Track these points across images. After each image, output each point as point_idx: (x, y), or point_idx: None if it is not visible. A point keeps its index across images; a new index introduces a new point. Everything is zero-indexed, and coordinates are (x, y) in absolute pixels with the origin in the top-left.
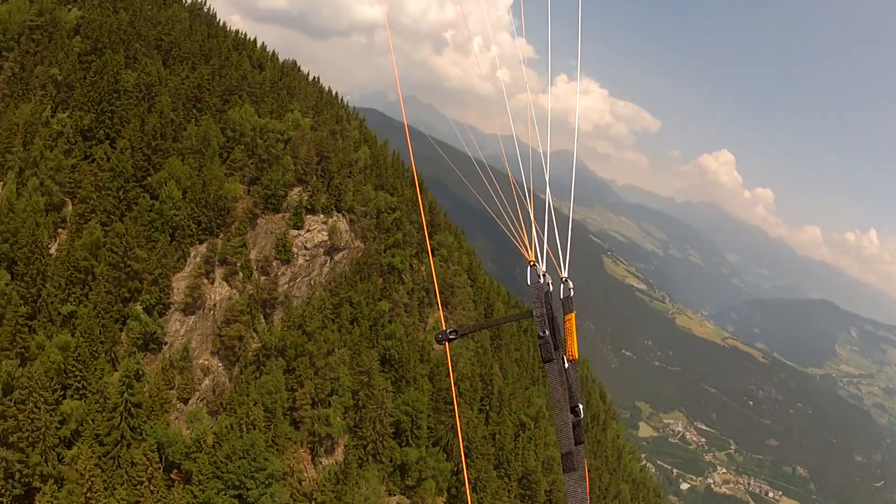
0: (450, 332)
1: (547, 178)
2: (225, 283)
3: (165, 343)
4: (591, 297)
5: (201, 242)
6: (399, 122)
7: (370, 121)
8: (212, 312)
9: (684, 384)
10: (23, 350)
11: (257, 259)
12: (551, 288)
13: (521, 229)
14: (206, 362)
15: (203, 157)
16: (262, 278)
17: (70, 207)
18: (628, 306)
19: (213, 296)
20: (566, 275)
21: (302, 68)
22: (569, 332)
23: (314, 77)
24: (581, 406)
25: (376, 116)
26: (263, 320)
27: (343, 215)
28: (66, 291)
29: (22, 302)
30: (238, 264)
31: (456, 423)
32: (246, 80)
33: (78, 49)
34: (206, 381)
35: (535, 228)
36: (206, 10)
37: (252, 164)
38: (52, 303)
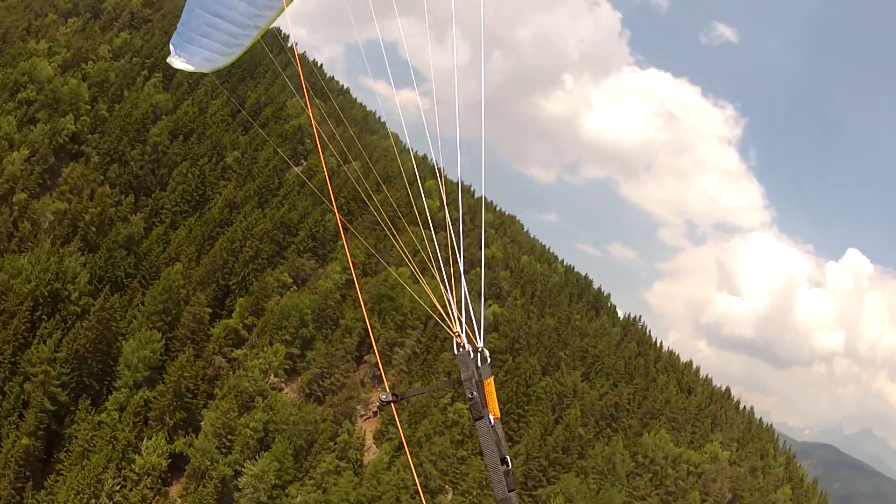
0: (392, 395)
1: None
2: None
3: None
4: None
5: None
6: (853, 458)
7: (820, 456)
8: None
9: None
10: None
11: None
12: (475, 355)
13: (449, 306)
14: None
15: (605, 479)
16: None
17: (449, 496)
18: None
19: None
20: (482, 345)
21: (749, 396)
22: (489, 394)
23: (746, 406)
24: (509, 458)
25: (828, 451)
26: None
27: None
28: None
29: None
30: None
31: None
32: (669, 404)
33: (491, 345)
34: None
35: (454, 305)
36: (639, 327)
37: (657, 495)
38: None
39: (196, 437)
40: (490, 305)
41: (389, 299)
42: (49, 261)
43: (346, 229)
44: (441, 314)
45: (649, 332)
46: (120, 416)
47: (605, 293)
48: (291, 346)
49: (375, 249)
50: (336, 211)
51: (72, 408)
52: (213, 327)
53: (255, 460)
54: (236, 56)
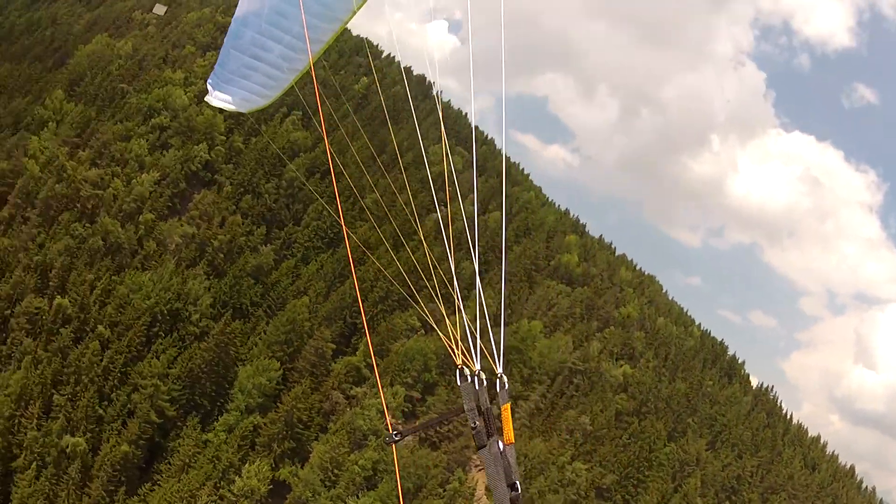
0: (395, 434)
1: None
2: None
3: None
4: None
5: None
6: None
7: None
8: None
9: None
10: None
11: None
12: (483, 384)
13: (453, 336)
14: None
15: None
16: None
17: None
18: None
19: None
20: (500, 371)
21: (875, 474)
22: (505, 420)
23: (869, 486)
24: (518, 482)
25: None
26: None
27: None
28: None
29: None
30: None
31: None
32: (792, 479)
33: (618, 407)
34: None
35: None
36: (771, 397)
37: None
38: None
39: (301, 468)
40: (622, 366)
41: (518, 352)
42: (171, 280)
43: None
44: (449, 344)
45: (781, 402)
46: (226, 438)
47: (740, 360)
48: (412, 390)
49: (509, 301)
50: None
51: (179, 423)
52: (335, 363)
53: (359, 497)
54: (275, 97)
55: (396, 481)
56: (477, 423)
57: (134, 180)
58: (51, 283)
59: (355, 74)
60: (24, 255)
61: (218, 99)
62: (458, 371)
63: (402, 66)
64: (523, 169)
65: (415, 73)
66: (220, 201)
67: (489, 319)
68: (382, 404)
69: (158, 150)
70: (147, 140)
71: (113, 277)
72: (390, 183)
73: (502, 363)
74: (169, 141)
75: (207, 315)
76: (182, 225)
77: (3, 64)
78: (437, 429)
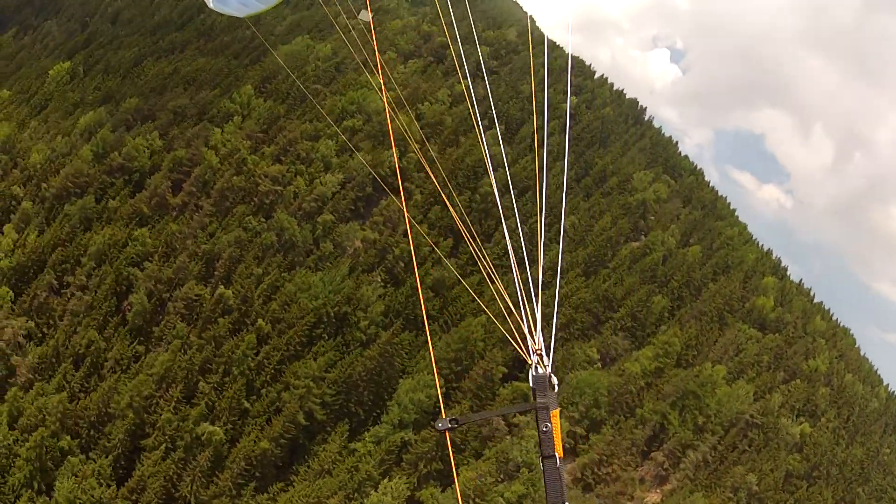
0: (450, 420)
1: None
2: None
3: None
4: None
5: None
6: None
7: None
8: None
9: None
10: None
11: None
12: (556, 384)
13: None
14: None
15: None
16: None
17: None
18: None
19: None
20: (550, 370)
21: None
22: (555, 427)
23: None
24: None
25: None
26: None
27: None
28: None
29: None
30: None
31: None
32: None
33: (789, 467)
34: None
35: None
36: None
37: None
38: None
39: (442, 492)
40: (801, 423)
41: (696, 397)
42: (343, 284)
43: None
44: (515, 335)
45: None
46: (371, 450)
47: None
48: (577, 425)
49: (696, 341)
50: None
51: (328, 428)
52: (504, 387)
53: None
54: (271, 5)
55: (453, 473)
56: (549, 425)
57: (317, 180)
58: (216, 273)
59: (564, 93)
60: (192, 243)
61: (215, 3)
62: (532, 363)
63: (614, 88)
64: (729, 203)
65: (627, 96)
66: (407, 209)
67: None
68: (438, 393)
69: (347, 152)
70: (335, 141)
71: (283, 274)
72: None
73: (552, 360)
74: (360, 144)
75: (377, 323)
76: (364, 229)
77: (199, 59)
78: (596, 469)
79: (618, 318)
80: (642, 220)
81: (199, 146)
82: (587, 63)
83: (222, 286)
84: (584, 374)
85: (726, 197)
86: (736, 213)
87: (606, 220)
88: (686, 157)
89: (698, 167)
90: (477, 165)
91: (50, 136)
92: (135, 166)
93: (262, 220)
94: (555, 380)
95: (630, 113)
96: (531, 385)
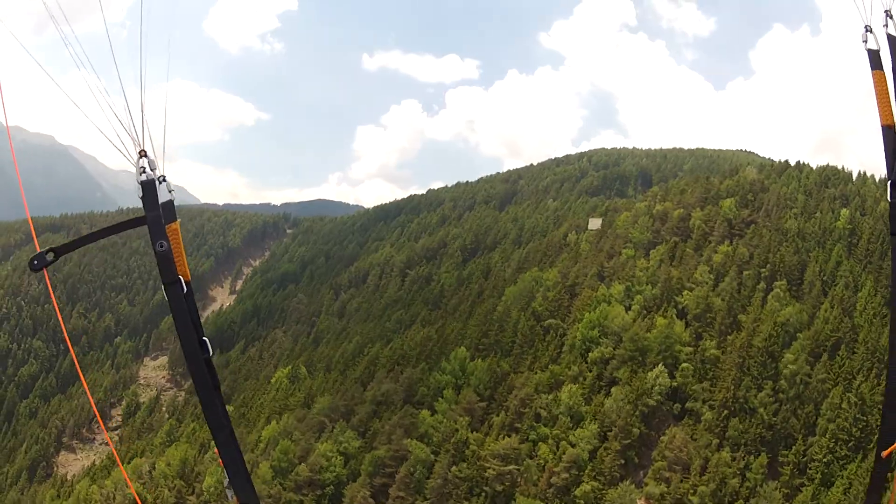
0: (46, 253)
1: None
2: None
3: None
4: None
5: None
6: None
7: None
8: None
9: None
10: None
11: None
12: (173, 193)
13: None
14: None
15: None
16: None
17: None
18: None
19: None
20: (163, 173)
21: None
22: (176, 245)
23: None
24: (206, 338)
25: None
26: None
27: None
28: None
29: None
30: None
31: None
32: None
33: None
34: None
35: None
36: None
37: None
38: None
39: None
40: None
41: None
42: None
43: None
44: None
45: None
46: None
47: None
48: None
49: None
50: None
51: None
52: None
53: None
54: None
55: None
56: (166, 242)
57: (562, 442)
58: None
59: (833, 211)
60: None
61: None
62: (138, 158)
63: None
64: None
65: None
66: (697, 435)
67: None
68: None
69: (599, 391)
70: (581, 383)
71: None
72: None
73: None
74: (614, 375)
75: None
76: (642, 487)
77: (422, 329)
78: None
79: None
80: None
81: (399, 439)
82: (839, 167)
83: None
84: None
85: None
86: None
87: None
88: None
89: None
90: (769, 344)
91: None
92: (325, 479)
93: None
94: (170, 185)
95: None
96: (138, 194)
